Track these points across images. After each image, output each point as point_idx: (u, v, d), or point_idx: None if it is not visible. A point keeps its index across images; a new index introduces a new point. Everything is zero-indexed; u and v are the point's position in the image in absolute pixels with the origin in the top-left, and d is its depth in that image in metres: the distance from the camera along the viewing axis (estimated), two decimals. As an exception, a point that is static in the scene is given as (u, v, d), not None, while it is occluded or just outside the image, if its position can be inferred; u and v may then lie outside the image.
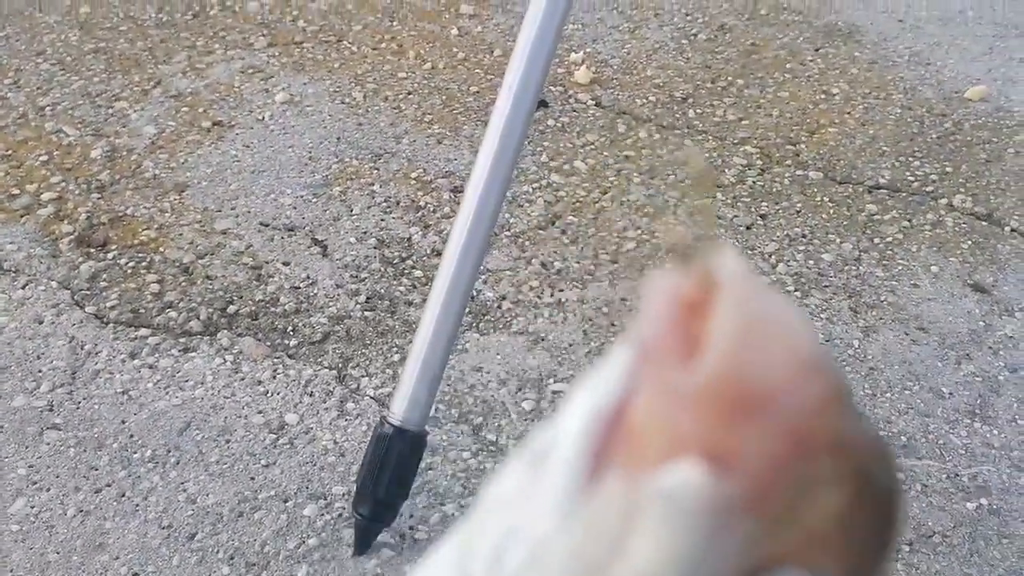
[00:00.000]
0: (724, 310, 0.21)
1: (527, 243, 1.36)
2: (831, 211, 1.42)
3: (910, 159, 1.52)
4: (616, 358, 0.23)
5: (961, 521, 0.94)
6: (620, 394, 0.22)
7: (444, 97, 1.68)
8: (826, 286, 1.27)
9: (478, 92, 1.68)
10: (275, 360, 1.14)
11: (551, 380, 1.12)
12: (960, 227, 1.37)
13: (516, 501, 0.23)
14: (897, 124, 1.61)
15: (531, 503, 0.23)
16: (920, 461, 1.01)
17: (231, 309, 1.20)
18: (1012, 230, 1.35)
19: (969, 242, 1.34)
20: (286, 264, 1.28)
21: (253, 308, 1.21)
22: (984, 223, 1.37)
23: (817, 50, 1.86)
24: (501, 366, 1.14)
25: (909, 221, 1.39)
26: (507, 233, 1.37)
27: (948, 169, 1.49)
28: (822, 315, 1.22)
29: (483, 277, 1.28)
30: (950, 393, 1.09)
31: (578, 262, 1.32)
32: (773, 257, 1.33)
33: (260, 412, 1.08)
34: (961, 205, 1.41)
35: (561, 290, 1.26)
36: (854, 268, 1.30)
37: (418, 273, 1.28)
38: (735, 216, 1.41)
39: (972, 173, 1.47)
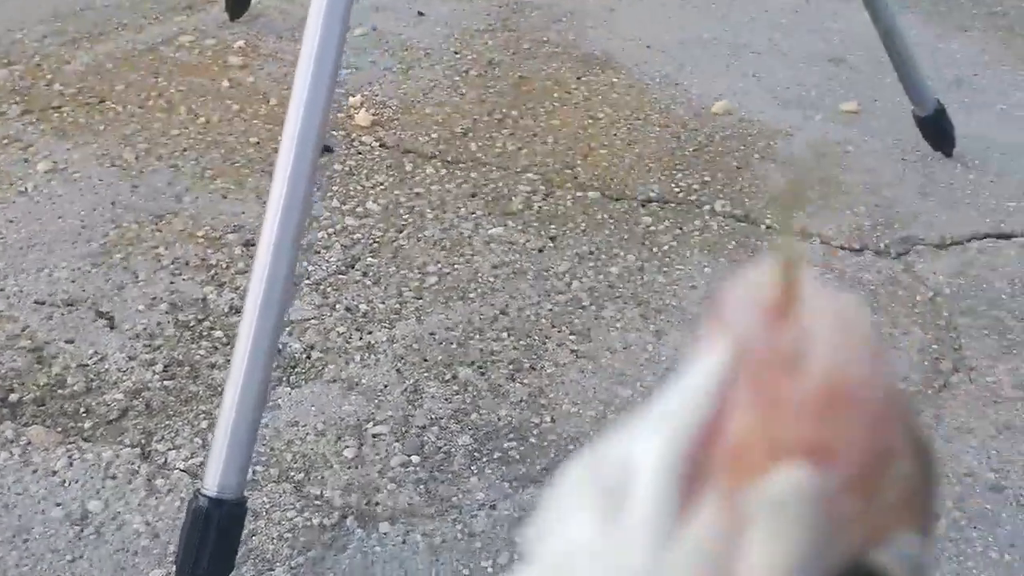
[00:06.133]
0: (818, 320, 0.22)
1: (329, 289, 1.35)
2: (612, 227, 1.52)
3: (674, 172, 1.66)
4: (693, 375, 0.23)
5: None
6: (712, 410, 0.22)
7: (223, 150, 1.63)
8: (617, 297, 1.36)
9: (258, 143, 1.65)
10: (69, 446, 1.06)
11: (369, 424, 1.12)
12: (724, 229, 1.51)
13: (596, 549, 0.22)
14: (658, 141, 1.75)
15: (618, 546, 0.22)
16: (718, 447, 1.11)
17: (13, 398, 1.11)
18: (767, 227, 1.51)
19: (733, 242, 1.48)
20: (70, 342, 1.20)
21: (38, 394, 1.12)
22: (743, 224, 1.52)
23: (579, 78, 1.98)
24: (317, 417, 1.13)
25: (681, 229, 1.51)
26: (307, 282, 1.36)
27: (707, 178, 1.64)
28: (617, 324, 1.30)
29: (288, 329, 1.26)
30: (735, 381, 1.20)
31: (383, 302, 1.33)
32: (567, 275, 1.40)
33: (59, 504, 1.00)
34: (722, 210, 1.55)
35: (370, 332, 1.27)
36: (639, 277, 1.40)
37: (218, 333, 1.24)
38: (527, 241, 1.48)
39: (727, 180, 1.63)
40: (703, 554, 0.21)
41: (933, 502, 0.23)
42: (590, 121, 1.83)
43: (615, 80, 1.99)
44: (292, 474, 1.05)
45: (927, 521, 0.23)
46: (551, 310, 1.33)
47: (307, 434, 1.10)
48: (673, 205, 1.57)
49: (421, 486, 1.04)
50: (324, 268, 1.39)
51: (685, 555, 0.21)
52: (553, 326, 1.30)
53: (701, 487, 0.21)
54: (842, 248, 1.45)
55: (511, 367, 1.22)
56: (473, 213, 1.54)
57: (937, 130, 1.61)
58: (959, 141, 1.68)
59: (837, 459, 0.21)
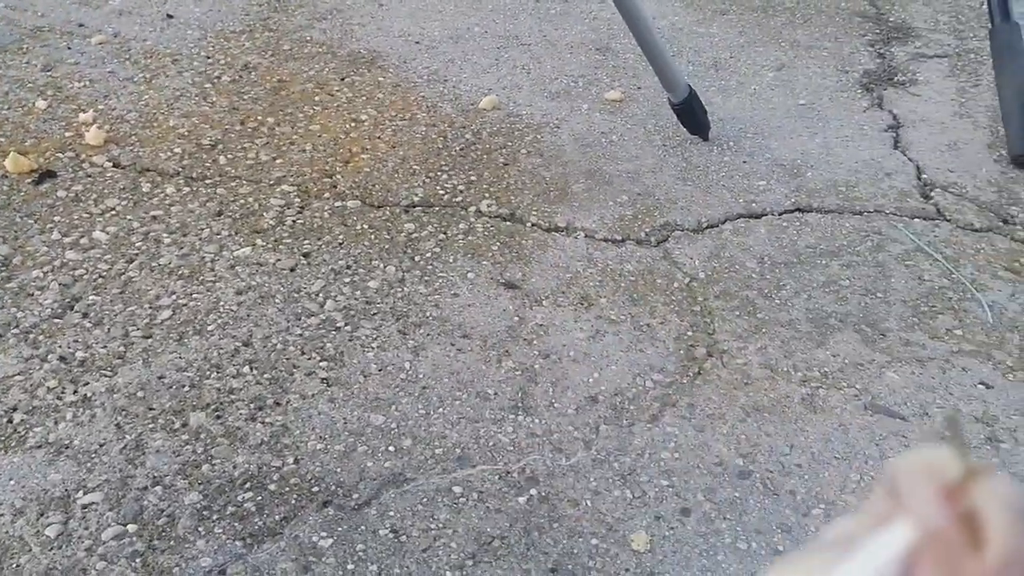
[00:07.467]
0: (992, 502, 0.26)
1: (41, 337, 1.18)
2: (372, 237, 1.43)
3: (439, 173, 1.58)
4: (878, 542, 0.27)
5: (516, 518, 0.98)
6: (897, 574, 0.26)
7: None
8: (375, 314, 1.27)
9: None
10: None
11: (79, 493, 0.98)
12: (489, 230, 1.45)
13: None
14: (424, 142, 1.67)
15: None
16: (475, 469, 1.04)
17: None
18: (532, 224, 1.47)
19: (498, 243, 1.42)
20: None
21: None
22: (508, 223, 1.47)
23: (343, 79, 1.88)
24: (16, 492, 0.97)
25: (445, 233, 1.44)
26: (14, 331, 1.19)
27: (473, 178, 1.58)
28: (373, 344, 1.22)
29: (-14, 390, 1.09)
30: (495, 393, 1.14)
31: (105, 347, 1.18)
32: (320, 295, 1.30)
33: None
34: (488, 209, 1.50)
35: (86, 384, 1.12)
36: (399, 290, 1.32)
37: None
38: (278, 260, 1.36)
39: (494, 178, 1.58)
40: None
41: None
42: (353, 124, 1.73)
43: (381, 79, 1.89)
44: (-19, 565, 0.90)
45: None
46: (301, 335, 1.22)
47: (2, 514, 0.95)
48: (437, 208, 1.50)
49: (137, 560, 0.91)
50: (36, 313, 1.22)
51: None
52: (303, 353, 1.19)
53: None
54: (605, 240, 1.43)
55: (252, 405, 1.11)
56: (218, 234, 1.41)
57: (690, 116, 1.62)
58: (716, 124, 1.71)
59: None
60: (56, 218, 1.41)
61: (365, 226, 1.45)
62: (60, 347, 1.17)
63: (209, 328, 1.22)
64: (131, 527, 0.94)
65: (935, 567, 0.25)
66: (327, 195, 1.52)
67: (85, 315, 1.22)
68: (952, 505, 0.26)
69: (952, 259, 1.41)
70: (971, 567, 0.25)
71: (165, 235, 1.39)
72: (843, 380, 1.17)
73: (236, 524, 0.96)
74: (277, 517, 0.97)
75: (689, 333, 1.24)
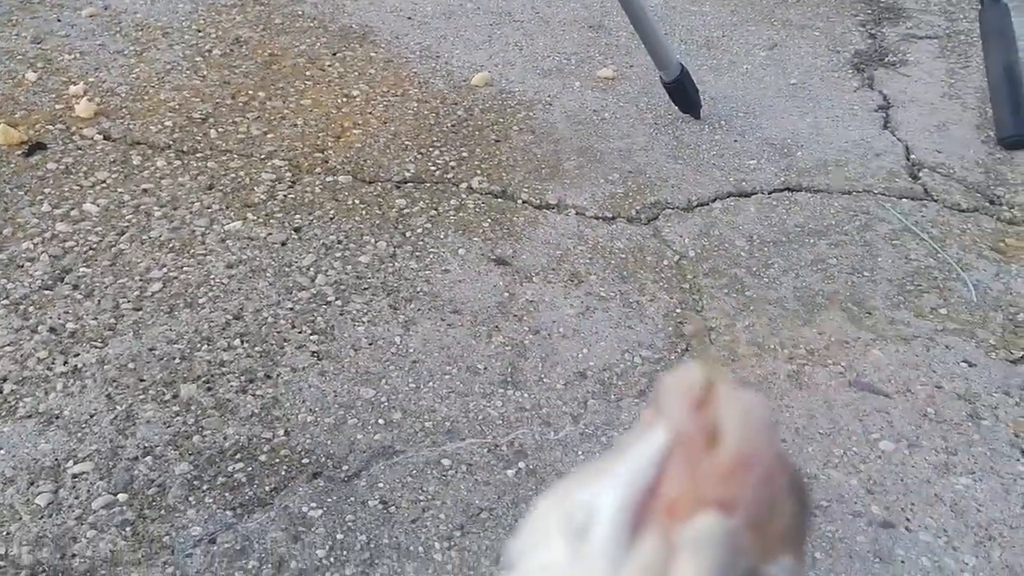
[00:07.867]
0: (729, 410, 0.31)
1: (31, 308, 1.18)
2: (363, 212, 1.43)
3: (431, 150, 1.58)
4: (640, 446, 0.32)
5: (504, 491, 1.00)
6: (653, 472, 0.31)
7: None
8: (365, 288, 1.28)
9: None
10: None
11: (70, 462, 0.98)
12: (480, 207, 1.45)
13: (565, 565, 0.30)
14: (415, 118, 1.67)
15: (582, 563, 0.30)
16: (464, 442, 1.05)
17: None
18: (524, 202, 1.47)
19: (489, 220, 1.43)
20: None
21: None
22: (500, 200, 1.47)
23: (335, 54, 1.87)
24: (7, 461, 0.98)
25: (436, 210, 1.44)
26: (4, 302, 1.19)
27: (464, 154, 1.58)
28: (364, 319, 1.22)
29: (-24, 361, 1.09)
30: (484, 368, 1.15)
31: (95, 318, 1.18)
32: (311, 269, 1.30)
33: None
34: (479, 186, 1.50)
35: (77, 355, 1.12)
36: (390, 265, 1.32)
37: None
38: (269, 234, 1.36)
39: (485, 155, 1.58)
40: (644, 571, 0.29)
41: (806, 535, 0.31)
42: (344, 99, 1.73)
43: (373, 55, 1.89)
44: (-28, 533, 0.91)
45: (801, 548, 0.31)
46: (292, 309, 1.23)
47: (-7, 483, 0.95)
48: (429, 185, 1.50)
49: (128, 528, 0.92)
50: (27, 284, 1.22)
51: (632, 571, 0.29)
52: (293, 327, 1.20)
53: (645, 527, 0.30)
54: (596, 218, 1.43)
55: (243, 378, 1.11)
56: (209, 208, 1.41)
57: (682, 94, 1.62)
58: (708, 102, 1.71)
59: (739, 508, 0.29)
60: (46, 190, 1.41)
61: (356, 201, 1.45)
62: (50, 318, 1.17)
63: (200, 301, 1.22)
64: (121, 496, 0.95)
65: (681, 465, 0.31)
66: (318, 170, 1.52)
67: (75, 287, 1.23)
68: (698, 412, 0.32)
69: (938, 239, 1.42)
70: (709, 464, 0.30)
71: (156, 208, 1.39)
72: (828, 357, 1.19)
73: (227, 494, 0.96)
74: (267, 488, 0.98)
75: (678, 310, 1.25)
